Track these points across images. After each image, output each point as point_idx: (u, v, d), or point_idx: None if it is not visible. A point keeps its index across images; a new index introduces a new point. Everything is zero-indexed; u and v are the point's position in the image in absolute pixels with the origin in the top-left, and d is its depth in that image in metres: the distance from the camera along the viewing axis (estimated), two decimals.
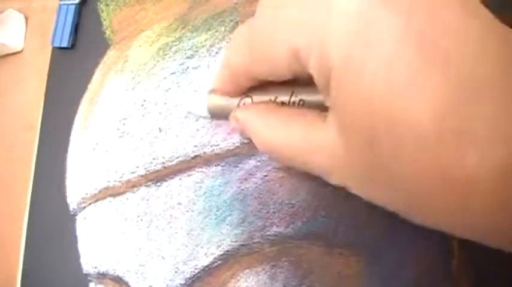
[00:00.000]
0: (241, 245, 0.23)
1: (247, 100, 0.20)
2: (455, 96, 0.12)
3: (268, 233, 0.23)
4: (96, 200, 0.26)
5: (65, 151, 0.27)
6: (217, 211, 0.24)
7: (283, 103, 0.19)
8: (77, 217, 0.26)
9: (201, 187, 0.24)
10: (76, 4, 0.28)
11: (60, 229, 0.26)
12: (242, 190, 0.24)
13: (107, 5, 0.28)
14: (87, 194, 0.26)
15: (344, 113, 0.15)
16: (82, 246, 0.26)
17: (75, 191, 0.27)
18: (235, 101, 0.20)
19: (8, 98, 0.29)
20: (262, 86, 0.20)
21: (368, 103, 0.14)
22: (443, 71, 0.13)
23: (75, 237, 0.26)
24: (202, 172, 0.24)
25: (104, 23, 0.28)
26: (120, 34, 0.28)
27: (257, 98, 0.20)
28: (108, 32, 0.28)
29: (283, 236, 0.23)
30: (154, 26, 0.27)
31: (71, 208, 0.26)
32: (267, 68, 0.17)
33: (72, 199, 0.26)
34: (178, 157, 0.25)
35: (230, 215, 0.23)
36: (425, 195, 0.14)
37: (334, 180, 0.18)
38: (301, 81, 0.18)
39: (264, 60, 0.17)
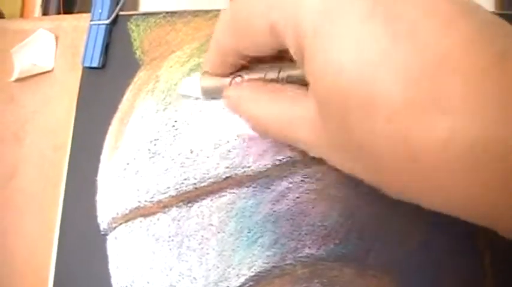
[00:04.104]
0: (273, 266, 0.23)
1: (238, 79, 0.21)
2: (424, 67, 0.12)
3: (300, 254, 0.23)
4: (127, 220, 0.26)
5: (95, 170, 0.27)
6: (249, 232, 0.24)
7: (272, 80, 0.20)
8: (107, 237, 0.26)
9: (232, 208, 0.24)
10: (107, 24, 0.28)
11: (90, 248, 0.26)
12: (274, 211, 0.24)
13: (137, 25, 0.29)
14: (117, 214, 0.26)
15: (317, 87, 0.15)
16: (113, 266, 0.26)
17: (105, 211, 0.27)
18: (226, 80, 0.21)
19: (38, 118, 0.29)
20: (252, 65, 0.21)
21: (338, 78, 0.14)
22: (411, 43, 0.13)
23: (106, 257, 0.26)
24: (233, 193, 0.24)
25: (135, 43, 0.28)
26: (151, 54, 0.28)
27: (247, 76, 0.21)
28: (138, 53, 0.28)
29: (316, 258, 0.23)
30: (185, 47, 0.27)
31: (101, 228, 0.26)
32: (251, 43, 0.18)
33: (103, 219, 0.27)
34: (209, 178, 0.25)
35: (262, 236, 0.24)
36: (395, 167, 0.14)
37: (314, 153, 0.18)
38: (287, 58, 0.18)
39: (247, 36, 0.18)
